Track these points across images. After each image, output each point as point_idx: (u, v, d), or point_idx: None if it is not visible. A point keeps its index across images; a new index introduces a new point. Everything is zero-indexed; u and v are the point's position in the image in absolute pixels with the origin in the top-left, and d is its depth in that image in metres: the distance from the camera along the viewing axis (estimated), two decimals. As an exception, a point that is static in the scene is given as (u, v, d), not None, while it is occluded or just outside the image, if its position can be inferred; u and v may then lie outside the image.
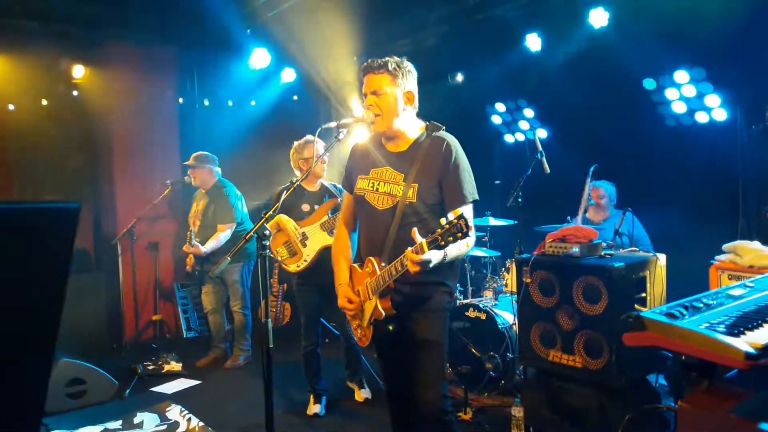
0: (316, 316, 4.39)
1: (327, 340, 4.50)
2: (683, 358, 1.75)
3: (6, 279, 0.92)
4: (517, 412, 3.90)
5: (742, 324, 1.68)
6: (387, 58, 2.62)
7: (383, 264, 2.55)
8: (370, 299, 2.59)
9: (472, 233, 2.17)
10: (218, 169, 5.49)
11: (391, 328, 2.58)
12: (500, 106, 6.27)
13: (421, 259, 2.25)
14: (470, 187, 2.60)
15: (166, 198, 5.94)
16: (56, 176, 6.07)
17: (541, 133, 5.97)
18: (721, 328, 1.64)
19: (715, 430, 1.45)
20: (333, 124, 2.64)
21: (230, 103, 7.44)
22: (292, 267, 4.31)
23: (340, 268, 2.81)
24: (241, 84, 7.16)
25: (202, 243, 5.20)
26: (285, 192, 2.68)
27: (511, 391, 4.32)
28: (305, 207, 4.34)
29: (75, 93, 6.16)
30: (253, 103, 7.39)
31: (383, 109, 2.58)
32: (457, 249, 2.43)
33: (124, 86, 6.21)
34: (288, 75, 7.10)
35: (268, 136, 7.08)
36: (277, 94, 7.31)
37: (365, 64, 2.63)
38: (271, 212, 2.48)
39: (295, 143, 4.48)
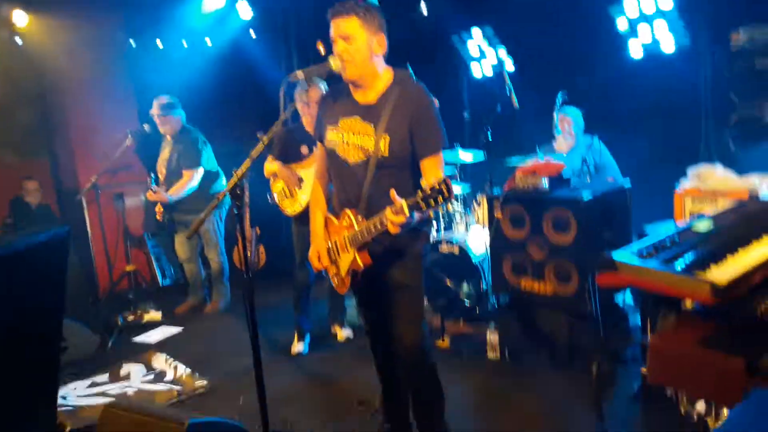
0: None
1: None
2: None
3: (5, 317, 0.92)
4: (492, 336, 4.08)
5: (707, 259, 1.76)
6: (354, 1, 2.53)
7: (360, 217, 2.57)
8: (347, 251, 2.63)
9: (453, 198, 2.18)
10: (182, 114, 5.33)
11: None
12: (466, 36, 6.17)
13: (402, 222, 2.26)
14: (441, 137, 2.58)
15: (128, 147, 5.79)
16: (6, 131, 5.84)
17: (509, 66, 5.93)
18: (689, 264, 1.72)
19: (683, 362, 1.55)
20: (300, 74, 2.56)
21: (185, 44, 7.16)
22: (289, 210, 4.33)
23: (316, 219, 2.82)
24: (194, 23, 6.88)
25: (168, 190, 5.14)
26: (250, 158, 2.60)
27: (485, 319, 4.47)
28: (304, 149, 4.26)
29: (19, 42, 5.85)
30: (209, 43, 7.12)
31: (354, 55, 2.49)
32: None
33: (70, 31, 5.91)
34: (243, 11, 6.82)
35: (228, 77, 6.89)
36: (234, 33, 7.04)
37: (332, 8, 2.51)
38: (242, 170, 2.42)
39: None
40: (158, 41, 6.89)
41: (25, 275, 0.92)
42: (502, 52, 5.96)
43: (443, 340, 4.32)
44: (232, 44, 7.01)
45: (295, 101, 4.17)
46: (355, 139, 2.59)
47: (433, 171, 2.52)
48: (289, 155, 4.27)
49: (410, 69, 2.72)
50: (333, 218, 2.75)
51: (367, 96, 2.61)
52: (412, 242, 2.67)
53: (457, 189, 4.98)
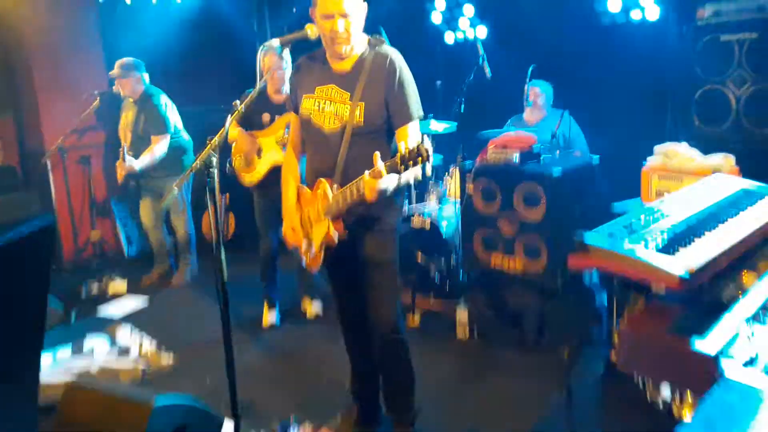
0: (273, 225, 4.35)
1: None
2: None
3: None
4: (462, 315, 4.10)
5: (676, 243, 1.79)
6: None
7: (335, 186, 2.54)
8: (321, 222, 2.60)
9: (431, 159, 2.17)
10: (145, 75, 5.18)
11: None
12: (439, 4, 6.09)
13: (380, 188, 2.26)
14: (416, 105, 2.59)
15: (95, 109, 5.61)
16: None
17: (481, 32, 5.88)
18: (657, 249, 1.74)
19: (653, 349, 1.58)
20: (275, 41, 2.52)
21: (153, 1, 6.92)
22: (247, 178, 4.28)
23: (289, 190, 2.79)
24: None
25: (136, 157, 4.99)
26: (230, 116, 2.55)
27: (456, 295, 4.50)
28: (266, 117, 4.20)
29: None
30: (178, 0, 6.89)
31: (351, 31, 2.46)
32: (413, 174, 2.43)
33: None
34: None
35: (197, 36, 6.68)
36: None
37: None
38: (216, 138, 2.37)
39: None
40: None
41: (8, 271, 0.87)
42: (475, 19, 5.92)
43: (414, 317, 4.33)
44: (202, 2, 6.80)
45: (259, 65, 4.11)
46: (331, 107, 2.56)
47: (409, 139, 2.51)
48: (252, 123, 4.20)
49: (384, 35, 2.67)
50: (306, 189, 2.71)
51: (343, 64, 2.59)
52: (385, 215, 2.66)
53: (428, 171, 4.95)
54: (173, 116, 5.20)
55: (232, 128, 4.16)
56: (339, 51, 2.51)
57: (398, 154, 2.19)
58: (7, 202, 5.47)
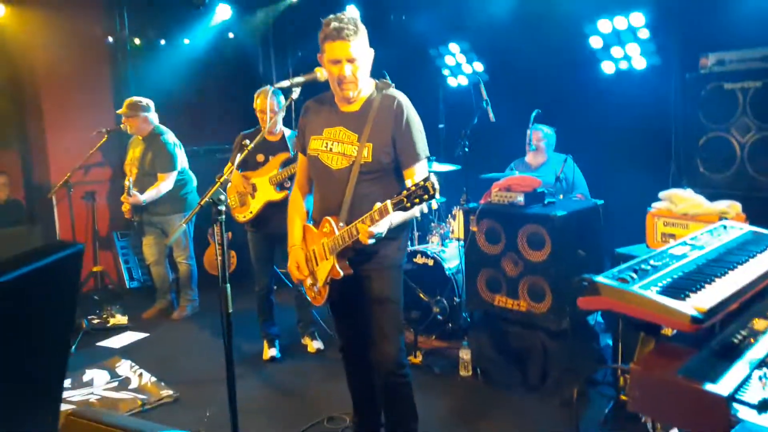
0: (268, 262, 4.44)
1: (275, 287, 4.53)
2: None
3: (14, 338, 0.88)
4: (465, 354, 4.08)
5: (686, 287, 1.79)
6: (351, 18, 2.50)
7: (341, 224, 2.56)
8: (326, 259, 2.61)
9: (438, 195, 2.20)
10: (154, 116, 5.26)
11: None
12: (443, 49, 6.22)
13: (373, 234, 2.34)
14: (423, 145, 2.64)
15: (102, 146, 5.68)
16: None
17: (484, 77, 5.99)
18: (668, 291, 1.74)
19: (664, 391, 1.57)
20: (286, 83, 2.58)
21: (162, 42, 7.08)
22: (240, 217, 4.39)
23: (294, 228, 2.81)
24: (173, 21, 6.80)
25: (141, 192, 5.04)
26: (239, 155, 2.61)
27: (458, 334, 4.48)
28: (260, 157, 4.32)
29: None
30: (186, 41, 7.05)
31: (358, 76, 2.54)
32: (411, 211, 2.47)
33: (48, 25, 5.79)
34: (223, 12, 6.76)
35: (204, 76, 6.83)
36: (212, 32, 6.98)
37: (332, 27, 2.47)
38: (225, 176, 2.43)
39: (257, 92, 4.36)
40: (136, 39, 6.79)
41: (37, 297, 0.88)
42: (479, 65, 6.03)
43: (416, 356, 4.30)
44: (210, 44, 6.95)
45: (254, 105, 4.23)
46: (339, 148, 2.61)
47: (416, 177, 2.55)
48: (247, 163, 4.31)
49: (388, 77, 2.74)
50: (311, 227, 2.74)
51: (351, 106, 2.65)
52: (390, 252, 2.68)
53: (434, 205, 5.00)
54: (181, 155, 5.26)
55: (228, 169, 4.26)
56: (347, 95, 2.58)
57: (404, 191, 2.23)
58: (12, 235, 5.48)
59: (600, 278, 1.82)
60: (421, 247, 4.81)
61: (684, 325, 1.61)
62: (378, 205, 2.31)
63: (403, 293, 2.79)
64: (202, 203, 2.39)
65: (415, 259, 4.68)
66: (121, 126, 5.32)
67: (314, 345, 4.57)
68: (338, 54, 2.49)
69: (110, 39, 6.62)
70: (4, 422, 0.88)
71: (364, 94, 2.65)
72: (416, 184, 2.20)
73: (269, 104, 4.10)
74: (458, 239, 4.80)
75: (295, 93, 2.60)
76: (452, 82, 6.38)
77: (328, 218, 2.59)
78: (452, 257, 4.66)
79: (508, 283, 3.97)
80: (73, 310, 0.99)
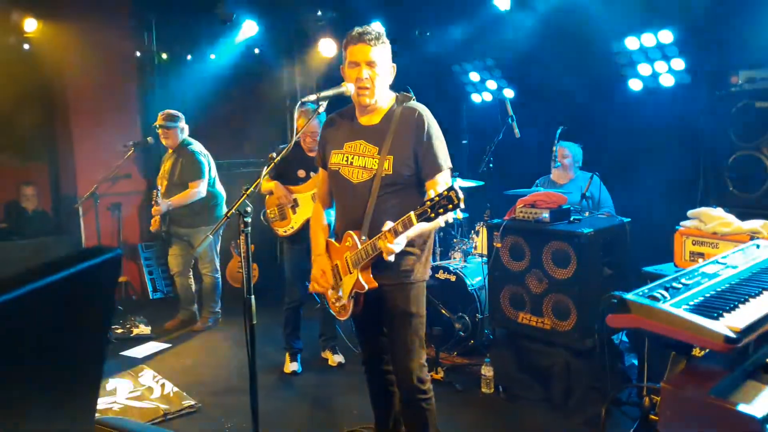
0: (301, 275, 4.41)
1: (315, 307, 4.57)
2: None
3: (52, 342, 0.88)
4: (487, 371, 4.04)
5: (719, 306, 1.76)
6: (376, 29, 2.56)
7: (363, 237, 2.56)
8: (350, 273, 2.61)
9: (462, 205, 2.17)
10: (184, 127, 5.34)
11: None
12: (467, 66, 6.23)
13: (393, 251, 2.35)
14: (444, 156, 2.62)
15: (128, 158, 5.77)
16: (9, 133, 5.82)
17: (508, 93, 5.98)
18: (701, 310, 1.71)
19: (695, 411, 1.54)
20: (312, 97, 2.59)
21: (189, 57, 7.20)
22: (280, 231, 4.41)
23: (318, 240, 2.81)
24: (200, 37, 6.92)
25: None
26: (265, 168, 2.63)
27: (480, 350, 4.44)
28: (301, 173, 4.36)
29: (26, 47, 5.86)
30: (213, 56, 7.15)
31: (376, 82, 2.54)
32: (435, 222, 2.46)
33: (79, 39, 5.92)
34: (249, 28, 6.85)
35: (231, 92, 6.92)
36: (238, 48, 7.08)
37: (355, 32, 2.54)
38: (251, 188, 2.44)
39: None
40: (164, 54, 6.92)
41: (77, 301, 0.89)
42: (503, 81, 6.03)
43: (437, 371, 4.26)
44: (236, 60, 7.04)
45: (296, 122, 4.25)
46: (359, 161, 2.61)
47: (438, 187, 2.52)
48: (287, 177, 4.35)
49: (411, 92, 2.75)
50: (334, 242, 2.74)
51: (371, 119, 2.65)
52: (415, 266, 2.66)
53: (458, 215, 4.99)
54: (209, 166, 5.32)
55: (267, 181, 4.31)
56: (363, 101, 2.57)
57: (428, 201, 2.20)
58: (38, 245, 5.57)
59: (630, 296, 1.80)
60: (443, 263, 4.79)
61: (717, 345, 1.57)
62: (393, 217, 2.30)
63: (425, 307, 2.77)
64: (228, 215, 2.41)
65: (437, 275, 4.66)
66: (149, 139, 5.40)
67: (335, 359, 4.55)
68: (357, 56, 2.52)
69: (138, 54, 6.75)
70: (40, 423, 0.89)
71: (384, 107, 2.65)
72: (440, 194, 2.17)
73: (312, 123, 4.12)
74: (481, 255, 4.78)
75: (322, 107, 2.61)
76: (476, 98, 6.38)
77: (351, 232, 2.59)
78: (475, 273, 4.63)
79: (533, 301, 3.93)
80: (111, 314, 1.00)
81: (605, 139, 5.05)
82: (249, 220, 2.37)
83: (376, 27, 2.60)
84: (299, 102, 2.63)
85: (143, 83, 6.71)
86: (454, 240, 5.13)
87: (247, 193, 2.41)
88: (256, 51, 7.38)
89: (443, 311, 4.58)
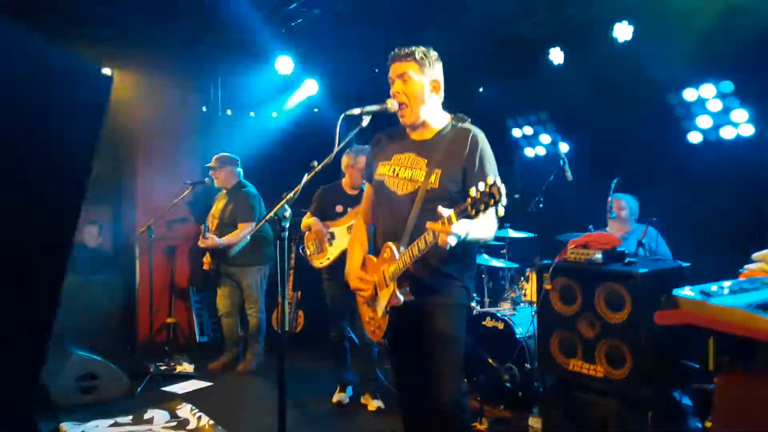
0: (343, 308, 4.42)
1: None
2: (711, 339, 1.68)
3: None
4: (535, 423, 3.81)
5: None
6: (413, 47, 2.61)
7: (402, 249, 2.49)
8: (387, 286, 2.53)
9: (504, 200, 2.02)
10: (240, 170, 5.51)
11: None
12: (521, 120, 6.24)
13: (451, 231, 2.12)
14: (494, 174, 2.54)
15: (186, 200, 5.94)
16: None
17: (563, 147, 5.93)
18: (758, 303, 1.57)
19: (752, 412, 1.38)
20: (356, 111, 2.61)
21: (252, 114, 7.49)
22: (317, 263, 4.49)
23: (354, 255, 2.78)
24: (263, 95, 7.21)
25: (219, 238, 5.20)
26: (306, 175, 2.64)
27: (528, 402, 4.20)
28: (339, 208, 4.46)
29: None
30: (274, 114, 7.43)
31: (409, 96, 2.56)
32: (481, 230, 2.37)
33: (149, 91, 6.28)
34: (310, 87, 7.11)
35: (288, 148, 7.10)
36: (299, 107, 7.33)
37: (392, 52, 2.62)
38: (291, 194, 2.45)
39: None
40: (228, 110, 7.25)
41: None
42: (557, 136, 5.99)
43: (481, 422, 4.04)
44: (295, 116, 7.27)
45: (342, 160, 4.33)
46: (406, 173, 2.59)
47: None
48: (325, 213, 4.47)
49: (467, 115, 2.74)
50: (372, 257, 2.69)
51: (423, 135, 2.66)
52: (454, 289, 2.57)
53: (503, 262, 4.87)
54: (261, 209, 5.42)
55: (307, 218, 4.47)
56: (402, 120, 2.60)
57: (468, 198, 2.07)
58: (94, 280, 5.71)
59: (680, 291, 1.67)
60: (491, 310, 4.63)
61: (777, 336, 1.43)
62: (443, 214, 2.13)
63: (465, 332, 2.64)
64: (267, 218, 2.41)
65: (484, 323, 4.50)
66: (207, 180, 5.56)
67: (374, 403, 4.40)
68: (391, 72, 2.60)
69: (204, 108, 7.09)
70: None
71: (437, 126, 2.64)
72: (481, 191, 2.05)
73: (359, 158, 4.26)
74: (531, 303, 4.60)
75: (365, 121, 2.62)
76: (529, 152, 6.35)
77: (389, 244, 2.53)
78: (524, 321, 4.45)
79: (584, 346, 3.71)
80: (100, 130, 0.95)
81: (663, 190, 4.89)
82: (286, 224, 2.37)
83: (416, 47, 2.61)
84: (342, 114, 2.65)
85: (207, 135, 7.00)
86: (504, 289, 4.98)
87: (287, 198, 2.42)
88: (316, 110, 7.62)
89: (490, 361, 4.39)
